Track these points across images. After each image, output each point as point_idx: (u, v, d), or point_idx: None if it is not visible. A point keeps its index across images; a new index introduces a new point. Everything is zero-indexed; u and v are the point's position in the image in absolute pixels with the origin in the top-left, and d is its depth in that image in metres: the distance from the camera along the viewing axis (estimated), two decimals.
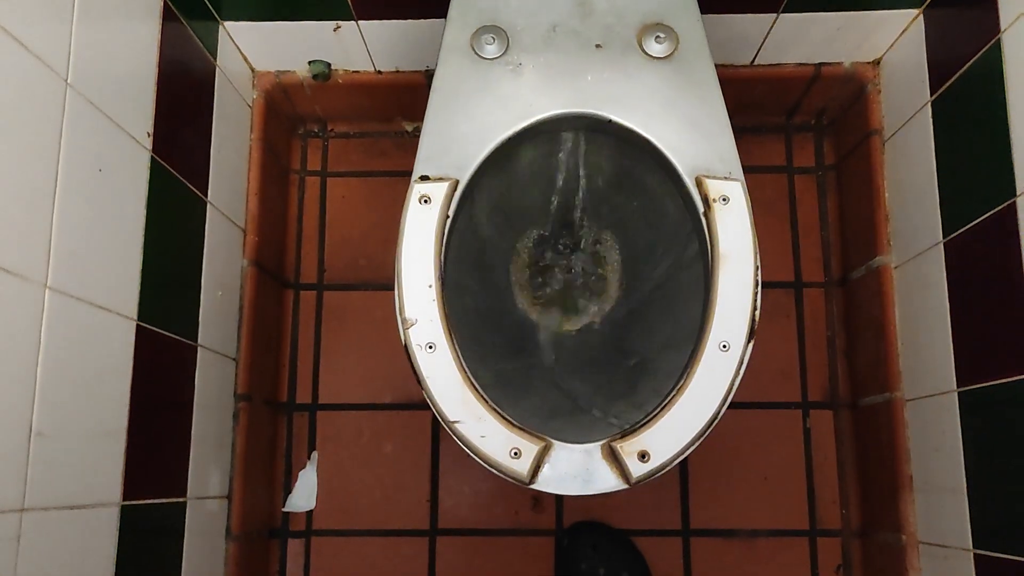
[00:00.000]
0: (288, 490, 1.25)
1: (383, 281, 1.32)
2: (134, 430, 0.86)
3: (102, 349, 0.81)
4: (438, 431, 1.27)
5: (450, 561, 1.23)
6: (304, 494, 1.25)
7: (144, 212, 0.90)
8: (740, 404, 1.25)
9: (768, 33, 1.15)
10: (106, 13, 0.82)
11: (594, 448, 0.78)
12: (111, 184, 0.83)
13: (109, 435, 0.83)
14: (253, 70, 1.24)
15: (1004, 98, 0.88)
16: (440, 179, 0.86)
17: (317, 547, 1.24)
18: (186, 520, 1.00)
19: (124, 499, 0.85)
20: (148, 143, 0.90)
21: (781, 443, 1.25)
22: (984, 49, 0.92)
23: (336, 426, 1.28)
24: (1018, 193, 0.85)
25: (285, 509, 1.25)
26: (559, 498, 1.24)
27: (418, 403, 1.27)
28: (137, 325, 0.88)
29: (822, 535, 1.23)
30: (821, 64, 1.22)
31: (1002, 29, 0.89)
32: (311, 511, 1.25)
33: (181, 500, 0.99)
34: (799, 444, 1.25)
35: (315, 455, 1.26)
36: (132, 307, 0.87)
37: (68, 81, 0.75)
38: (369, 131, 1.37)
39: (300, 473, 1.26)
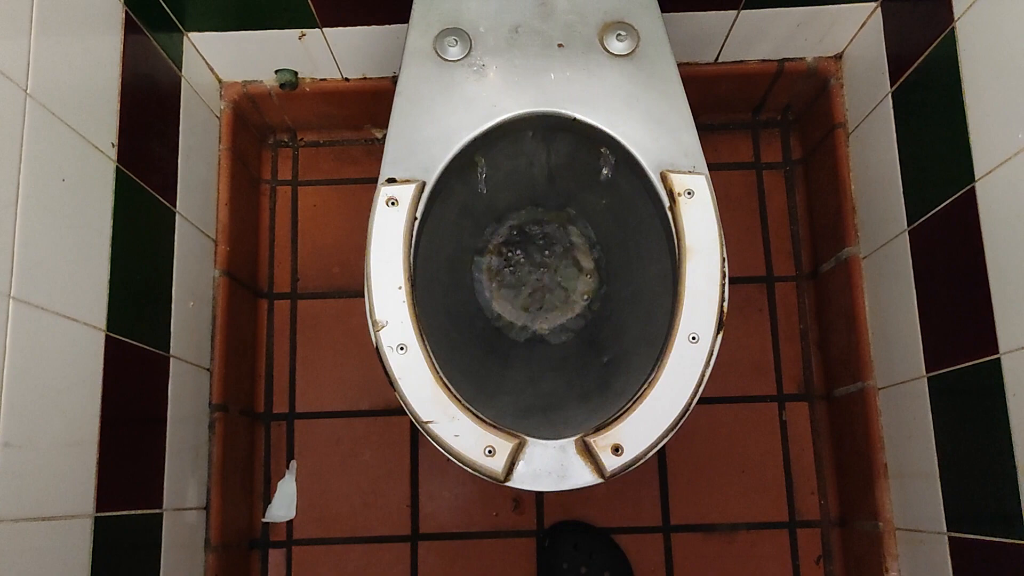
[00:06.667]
0: (267, 500, 1.25)
1: (357, 288, 1.32)
2: (106, 440, 0.86)
3: (70, 359, 0.81)
4: (416, 436, 1.27)
5: (432, 566, 1.23)
6: (283, 503, 1.24)
7: (110, 222, 0.89)
8: (716, 399, 1.26)
9: (730, 30, 1.16)
10: (65, 24, 0.82)
11: (568, 444, 0.78)
12: (75, 194, 0.83)
13: (80, 445, 0.82)
14: (220, 80, 1.23)
15: (960, 85, 0.90)
16: (407, 181, 0.86)
17: (298, 557, 1.24)
18: (163, 531, 0.99)
19: (97, 510, 0.84)
20: (113, 153, 0.90)
21: (758, 436, 1.26)
22: (939, 39, 0.94)
23: (314, 434, 1.27)
24: (977, 178, 0.87)
25: (265, 519, 1.24)
26: (539, 498, 1.24)
27: (395, 409, 1.27)
28: (106, 335, 0.87)
29: (801, 526, 1.24)
30: (784, 60, 1.23)
31: (956, 18, 0.90)
32: (291, 520, 1.24)
33: (157, 511, 0.98)
34: (776, 437, 1.26)
35: (294, 464, 1.26)
36: (100, 317, 0.87)
37: (27, 91, 0.75)
38: (339, 139, 1.37)
39: (279, 483, 1.25)
